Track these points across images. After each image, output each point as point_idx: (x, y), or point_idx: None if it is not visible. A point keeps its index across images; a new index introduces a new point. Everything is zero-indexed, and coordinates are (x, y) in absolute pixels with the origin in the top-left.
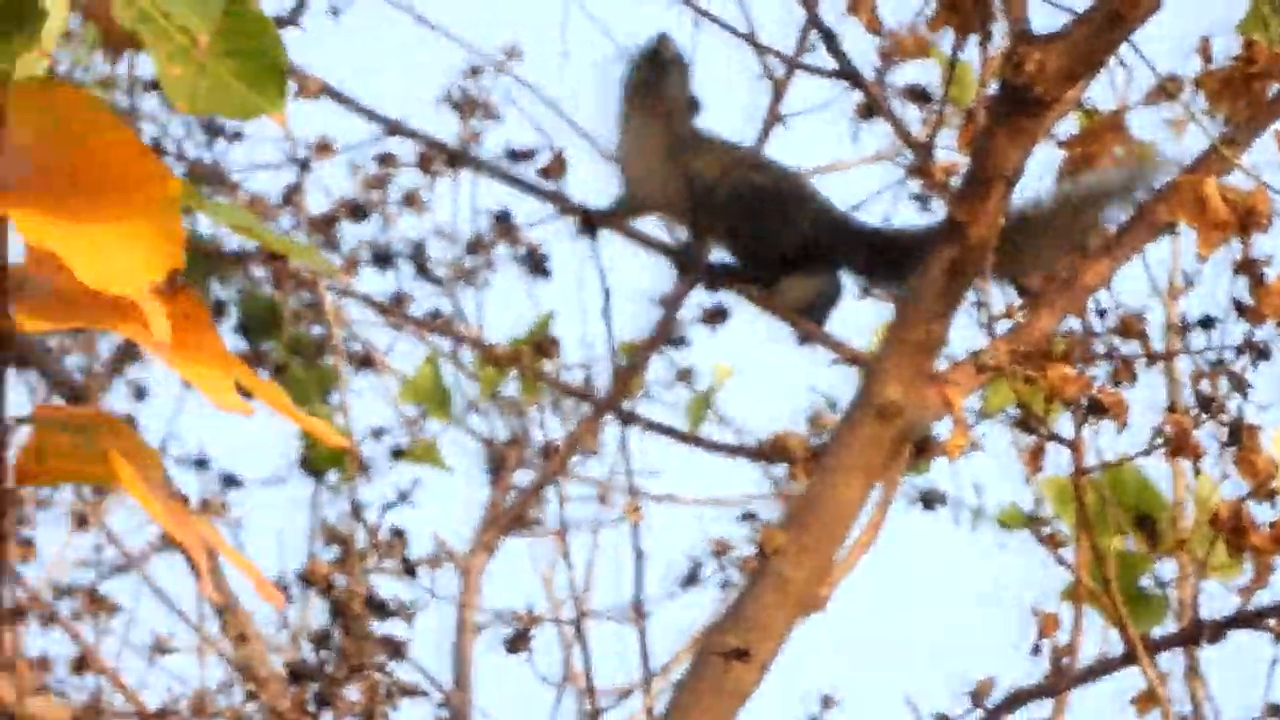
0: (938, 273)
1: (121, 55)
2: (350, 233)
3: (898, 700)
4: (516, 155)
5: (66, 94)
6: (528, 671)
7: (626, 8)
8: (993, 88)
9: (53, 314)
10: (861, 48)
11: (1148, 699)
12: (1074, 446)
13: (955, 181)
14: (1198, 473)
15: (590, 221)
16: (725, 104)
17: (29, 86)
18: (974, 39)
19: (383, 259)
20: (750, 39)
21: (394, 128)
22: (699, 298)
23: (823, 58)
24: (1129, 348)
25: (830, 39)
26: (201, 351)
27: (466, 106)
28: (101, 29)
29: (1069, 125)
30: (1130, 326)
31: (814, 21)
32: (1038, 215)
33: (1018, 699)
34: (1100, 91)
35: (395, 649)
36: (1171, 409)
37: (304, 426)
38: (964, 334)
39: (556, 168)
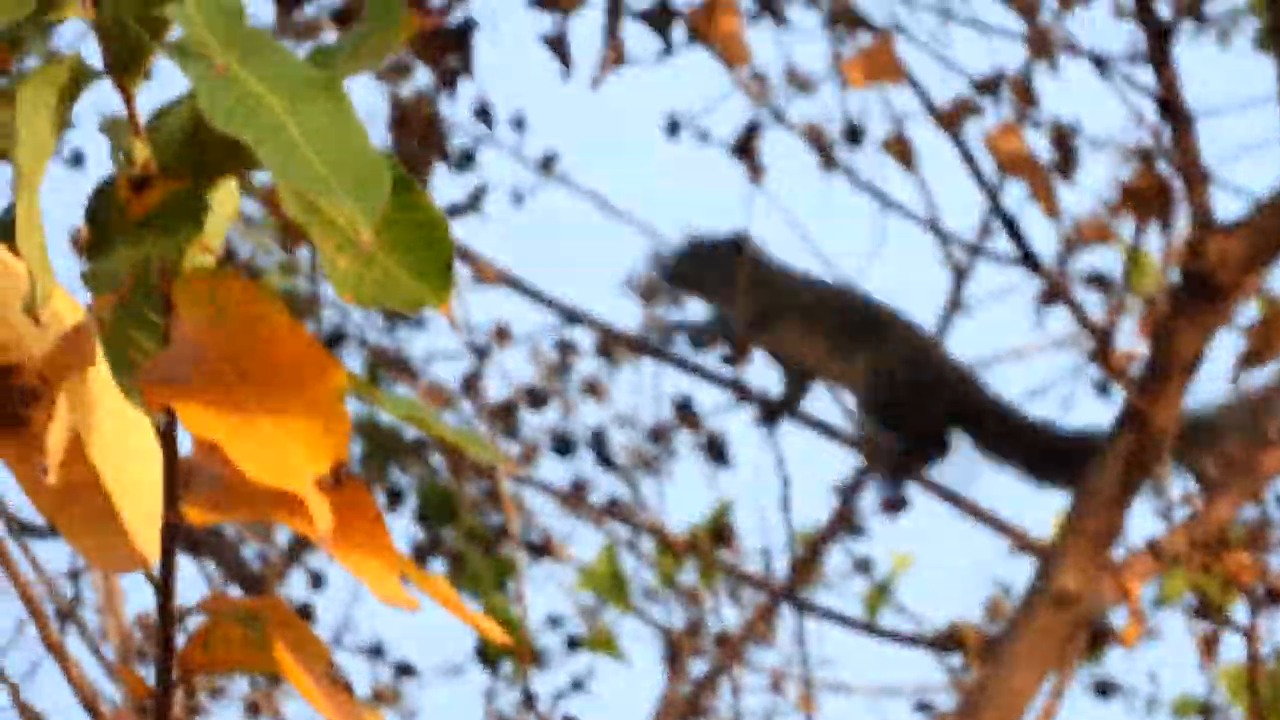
0: (1116, 461)
1: (300, 242)
2: (531, 419)
3: None
4: (699, 342)
5: (234, 284)
6: None
7: (805, 192)
8: (1174, 275)
9: (221, 506)
10: (1043, 234)
11: None
12: (1250, 635)
13: (1135, 368)
14: None
15: (770, 410)
16: (908, 289)
17: (196, 277)
18: (1156, 226)
19: (563, 446)
20: (934, 226)
21: (574, 314)
22: (878, 486)
23: (1005, 244)
24: None
25: (1012, 226)
26: (367, 543)
27: (648, 292)
28: (279, 218)
29: (1250, 312)
30: None
31: (996, 208)
32: (1217, 414)
33: None
34: None
35: None
36: None
37: (470, 622)
38: (1141, 521)
39: (739, 355)
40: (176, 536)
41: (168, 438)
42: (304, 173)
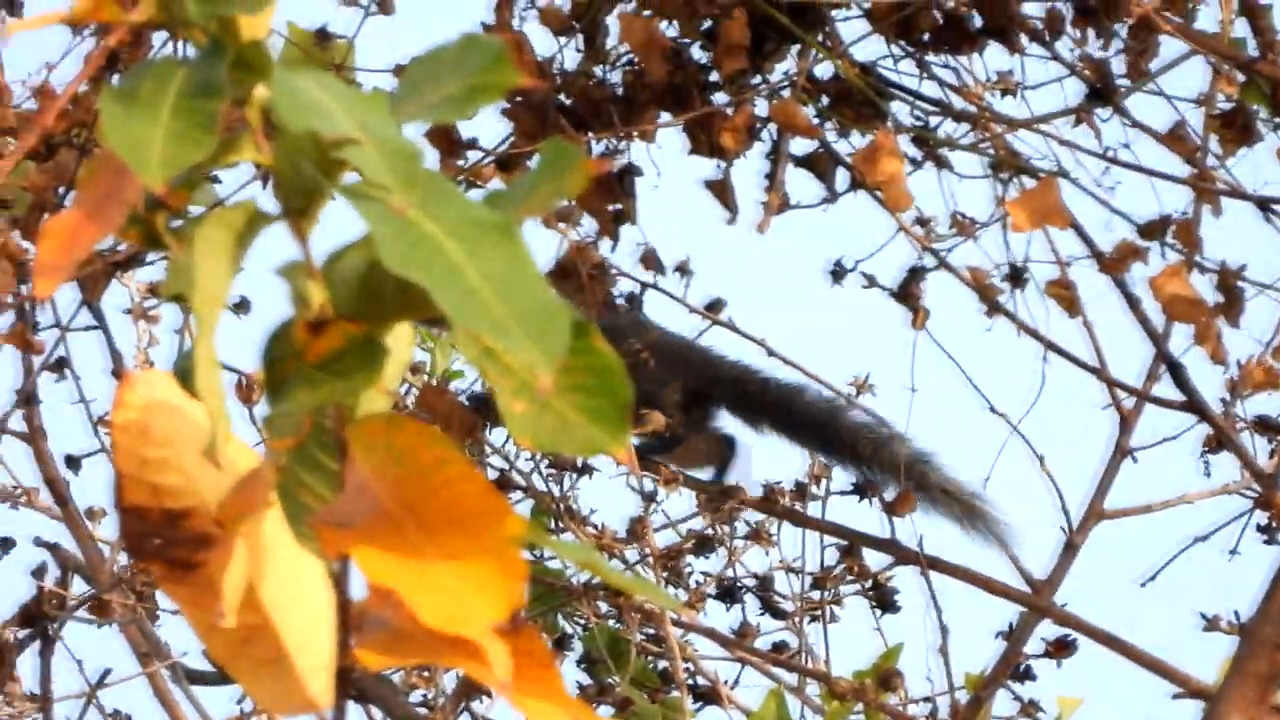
0: None
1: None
2: (696, 565)
3: None
4: (861, 490)
5: (409, 429)
6: None
7: (968, 336)
8: None
9: (393, 650)
10: (1208, 379)
11: None
12: None
13: None
14: None
15: (925, 563)
16: (1072, 434)
17: (371, 423)
18: None
19: (728, 593)
20: (1098, 372)
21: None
22: (1045, 630)
23: (1170, 389)
24: None
25: (1177, 370)
26: (541, 689)
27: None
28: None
29: None
30: None
31: (1161, 353)
32: None
33: None
34: None
35: None
36: None
37: None
38: None
39: (903, 504)
40: (349, 682)
41: (340, 582)
42: (482, 317)
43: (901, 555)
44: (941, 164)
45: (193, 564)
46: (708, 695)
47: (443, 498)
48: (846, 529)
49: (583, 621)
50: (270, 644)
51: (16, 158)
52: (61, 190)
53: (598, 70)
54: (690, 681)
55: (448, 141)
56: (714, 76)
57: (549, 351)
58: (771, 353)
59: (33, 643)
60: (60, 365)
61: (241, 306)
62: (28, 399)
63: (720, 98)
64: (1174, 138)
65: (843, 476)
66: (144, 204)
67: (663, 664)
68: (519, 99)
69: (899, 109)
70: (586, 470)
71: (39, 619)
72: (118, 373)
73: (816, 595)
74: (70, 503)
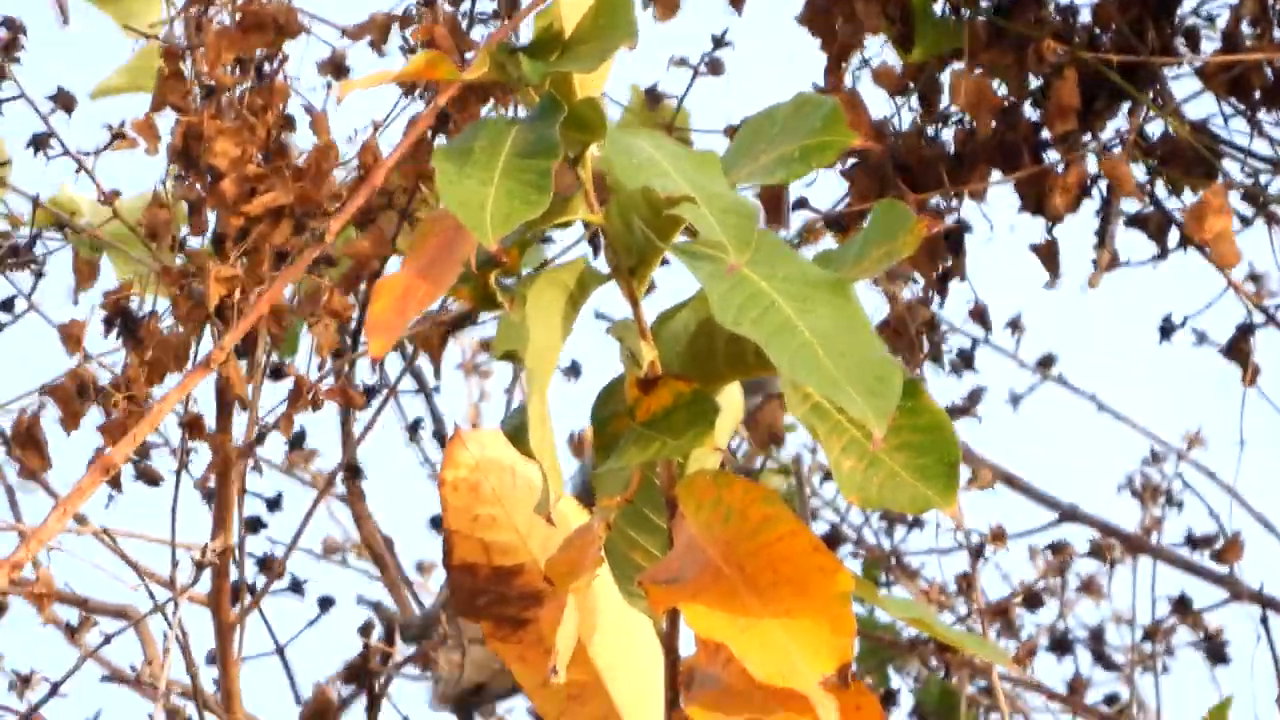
0: None
1: (782, 445)
2: (1027, 618)
3: None
4: (1195, 542)
5: (738, 486)
6: None
7: None
8: None
9: (723, 705)
10: None
11: None
12: None
13: None
14: None
15: (1265, 606)
16: None
17: (701, 479)
18: None
19: (1060, 645)
20: None
21: (1070, 514)
22: None
23: None
24: None
25: None
26: None
27: (1147, 493)
28: (762, 431)
29: None
30: None
31: None
32: None
33: None
34: None
35: None
36: None
37: None
38: None
39: (1232, 552)
40: None
41: (669, 639)
42: (814, 373)
43: (1237, 592)
44: (1273, 220)
45: (523, 620)
46: None
47: (772, 554)
48: (1184, 559)
49: (913, 674)
50: (601, 702)
51: (345, 218)
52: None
53: (929, 129)
54: None
55: (777, 201)
56: (1044, 134)
57: (880, 408)
58: (1102, 407)
59: (357, 699)
60: (414, 429)
61: (573, 371)
62: (352, 470)
63: (1051, 155)
64: None
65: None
66: (476, 263)
67: (993, 717)
68: (855, 160)
69: (1230, 166)
70: (918, 524)
71: (365, 675)
72: (440, 435)
73: (1148, 647)
74: (393, 559)
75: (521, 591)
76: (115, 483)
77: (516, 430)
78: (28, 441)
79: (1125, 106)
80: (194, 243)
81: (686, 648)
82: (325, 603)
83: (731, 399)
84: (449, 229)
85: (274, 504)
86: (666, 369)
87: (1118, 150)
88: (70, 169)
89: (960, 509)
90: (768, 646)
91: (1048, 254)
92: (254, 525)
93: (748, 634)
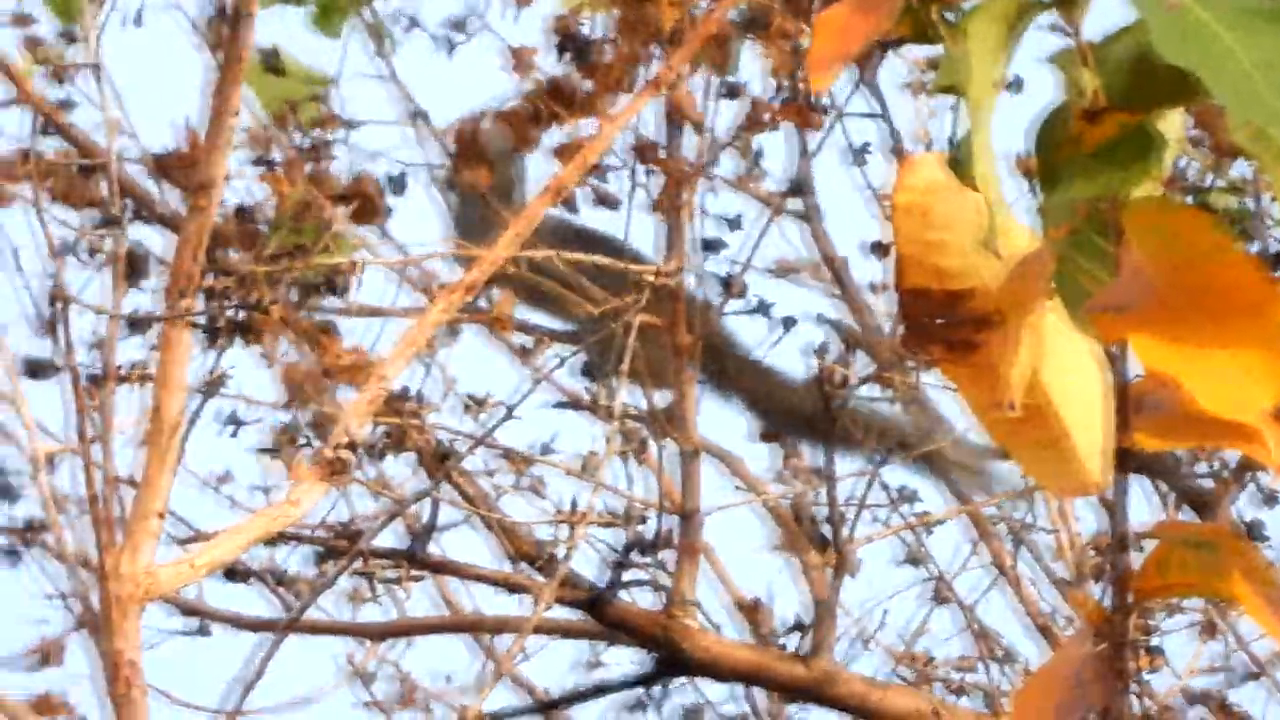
0: None
1: (1233, 163)
2: None
3: None
4: None
5: (1184, 214)
6: None
7: None
8: None
9: (1170, 433)
10: None
11: None
12: None
13: None
14: None
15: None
16: None
17: (1146, 207)
18: None
19: None
20: None
21: None
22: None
23: None
24: None
25: None
26: None
27: None
28: (1212, 142)
29: None
30: None
31: None
32: None
33: None
34: None
35: None
36: None
37: None
38: None
39: None
40: (1129, 462)
41: (1118, 366)
42: (1254, 104)
43: None
44: None
45: (973, 344)
46: None
47: (1218, 285)
48: None
49: None
50: (1050, 426)
51: None
52: None
53: None
54: None
55: None
56: None
57: None
58: None
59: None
60: (861, 151)
61: (1016, 85)
62: (798, 188)
63: None
64: None
65: None
66: None
67: None
68: None
69: None
70: None
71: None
72: (898, 152)
73: None
74: (849, 282)
75: (972, 315)
76: (569, 204)
77: (958, 162)
78: (470, 152)
79: None
80: None
81: (1132, 374)
82: (788, 322)
83: (1174, 125)
84: None
85: (734, 224)
86: (1109, 99)
87: None
88: None
89: None
90: (1214, 376)
91: None
92: (713, 246)
93: (1193, 364)
